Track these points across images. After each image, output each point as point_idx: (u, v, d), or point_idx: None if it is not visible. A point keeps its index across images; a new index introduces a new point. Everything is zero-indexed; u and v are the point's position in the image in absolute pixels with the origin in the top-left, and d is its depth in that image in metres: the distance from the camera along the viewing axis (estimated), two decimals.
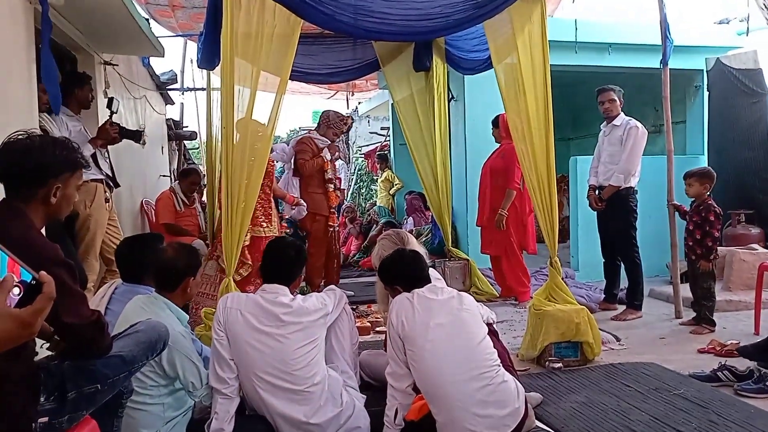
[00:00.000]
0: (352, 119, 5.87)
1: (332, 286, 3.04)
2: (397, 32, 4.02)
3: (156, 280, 2.71)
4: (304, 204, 5.34)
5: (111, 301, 2.78)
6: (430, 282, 2.70)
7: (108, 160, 4.48)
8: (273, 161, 5.24)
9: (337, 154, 5.70)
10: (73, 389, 1.86)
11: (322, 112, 5.75)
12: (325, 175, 5.44)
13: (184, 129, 9.49)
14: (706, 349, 3.88)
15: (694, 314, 4.54)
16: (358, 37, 5.34)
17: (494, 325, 2.94)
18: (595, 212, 5.04)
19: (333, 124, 5.50)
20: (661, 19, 4.79)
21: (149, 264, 2.74)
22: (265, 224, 4.61)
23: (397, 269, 2.76)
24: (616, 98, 4.89)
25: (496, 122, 5.47)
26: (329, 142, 5.48)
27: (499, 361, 2.57)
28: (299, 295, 2.70)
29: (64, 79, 4.13)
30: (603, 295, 5.22)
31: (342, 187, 10.97)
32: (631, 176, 4.77)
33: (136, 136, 4.61)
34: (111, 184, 4.43)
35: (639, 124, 4.80)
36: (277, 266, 2.70)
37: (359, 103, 13.39)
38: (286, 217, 5.63)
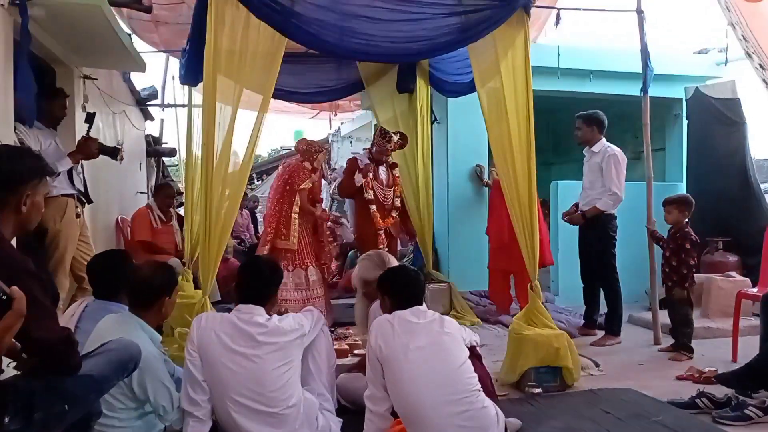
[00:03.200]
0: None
1: (310, 307, 3.03)
2: (381, 53, 4.07)
3: (130, 298, 2.67)
4: (345, 221, 5.35)
5: (81, 318, 2.74)
6: (420, 305, 2.70)
7: (82, 176, 4.44)
8: (317, 176, 5.33)
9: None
10: (41, 409, 1.82)
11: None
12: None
13: (164, 145, 9.43)
14: (685, 375, 3.91)
15: (672, 341, 4.59)
16: (342, 57, 5.39)
17: (477, 348, 2.94)
18: (577, 238, 5.10)
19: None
20: (642, 47, 4.91)
21: (123, 280, 2.71)
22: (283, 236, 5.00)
23: (399, 283, 2.76)
24: (584, 126, 4.96)
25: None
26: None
27: (479, 385, 2.57)
28: (275, 315, 2.69)
29: (38, 92, 4.11)
30: (582, 320, 5.26)
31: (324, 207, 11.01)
32: (619, 203, 4.83)
33: (114, 153, 4.58)
34: (83, 199, 4.39)
35: (617, 150, 4.88)
36: (252, 286, 2.69)
37: (342, 123, 13.44)
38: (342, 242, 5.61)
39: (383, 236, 5.41)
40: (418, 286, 2.76)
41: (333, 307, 5.40)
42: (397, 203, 5.58)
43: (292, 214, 5.19)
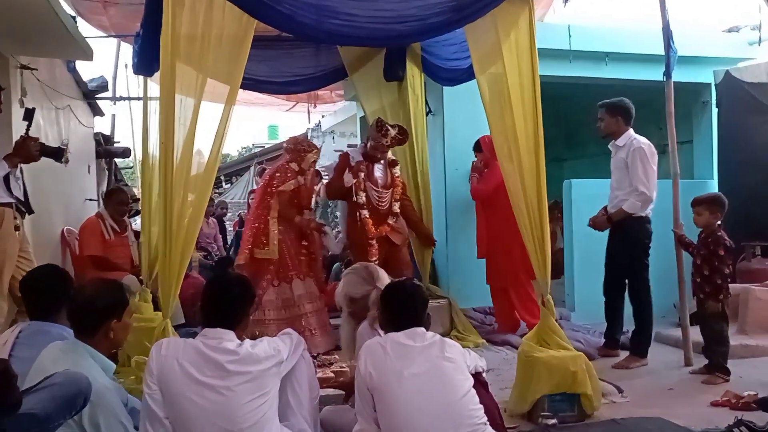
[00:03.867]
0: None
1: (288, 330, 3.02)
2: (366, 36, 4.09)
3: (72, 323, 2.64)
4: (329, 229, 5.38)
5: (15, 346, 2.71)
6: (421, 326, 2.70)
7: (21, 182, 4.41)
8: (306, 178, 5.34)
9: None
10: None
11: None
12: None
13: (116, 145, 9.39)
14: (720, 401, 3.93)
15: (705, 361, 4.61)
16: (321, 41, 5.40)
17: (484, 375, 2.94)
18: (596, 245, 5.12)
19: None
20: (663, 26, 4.95)
21: (62, 296, 2.68)
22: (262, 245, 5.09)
23: (391, 300, 2.77)
24: (607, 117, 4.99)
25: (478, 146, 5.61)
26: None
27: (485, 418, 2.57)
28: (248, 340, 2.67)
29: None
30: (603, 340, 5.27)
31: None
32: (650, 204, 4.86)
33: (58, 154, 4.55)
34: (23, 209, 4.36)
35: (644, 143, 4.89)
36: (221, 306, 2.68)
37: (322, 116, 13.44)
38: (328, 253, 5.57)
39: (375, 247, 5.39)
40: (413, 304, 2.76)
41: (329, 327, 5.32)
42: (396, 208, 5.55)
43: (269, 219, 5.20)
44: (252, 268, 5.17)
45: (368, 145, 5.44)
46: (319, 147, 5.64)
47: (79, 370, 2.32)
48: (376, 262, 5.21)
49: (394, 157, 5.64)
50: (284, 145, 5.63)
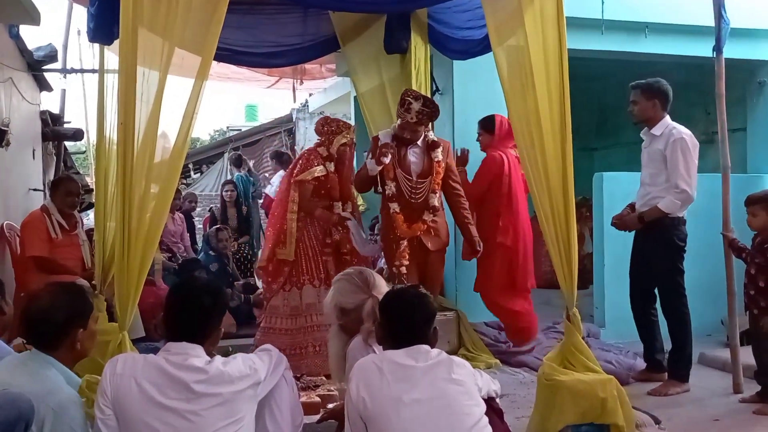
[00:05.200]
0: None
1: (267, 345, 3.01)
2: (362, 1, 4.08)
3: (30, 339, 2.68)
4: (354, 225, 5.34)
5: None
6: (426, 344, 2.70)
7: None
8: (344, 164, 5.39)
9: None
10: None
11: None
12: None
13: (66, 125, 9.38)
14: None
15: (758, 388, 4.62)
16: (309, 5, 5.40)
17: (498, 401, 2.94)
18: (631, 249, 5.13)
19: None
20: None
21: None
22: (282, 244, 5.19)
23: (388, 311, 2.77)
24: (642, 100, 5.00)
25: (489, 125, 5.60)
26: None
27: None
28: (219, 357, 2.67)
29: None
30: (638, 361, 5.28)
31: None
32: (689, 203, 4.87)
33: None
34: None
35: (686, 133, 4.91)
36: (187, 317, 2.67)
37: (310, 95, 13.44)
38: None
39: (406, 249, 5.24)
40: (417, 317, 2.75)
41: None
42: (434, 201, 5.30)
43: (288, 215, 5.23)
44: (271, 270, 5.28)
45: (397, 124, 5.29)
46: (352, 126, 5.53)
47: (40, 381, 2.38)
48: (404, 270, 5.18)
49: (435, 138, 5.41)
50: (315, 127, 5.62)
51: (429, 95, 6.01)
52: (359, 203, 9.81)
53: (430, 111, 5.16)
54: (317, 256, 5.29)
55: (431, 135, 5.38)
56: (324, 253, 5.30)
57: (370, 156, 5.28)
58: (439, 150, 5.32)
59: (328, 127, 5.39)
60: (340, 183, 5.43)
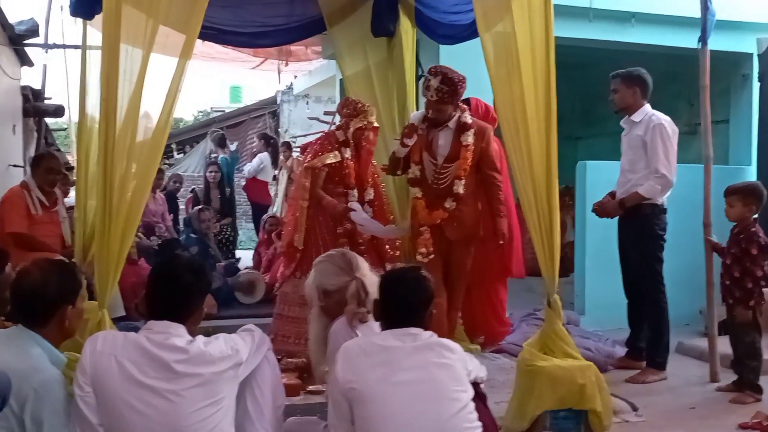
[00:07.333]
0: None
1: (249, 325, 3.01)
2: None
3: (17, 314, 2.69)
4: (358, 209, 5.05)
5: None
6: (419, 326, 2.71)
7: None
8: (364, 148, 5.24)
9: None
10: None
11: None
12: None
13: (47, 101, 9.31)
14: (750, 423, 3.99)
15: (734, 377, 4.68)
16: None
17: (482, 386, 2.95)
18: (616, 237, 5.16)
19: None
20: None
21: None
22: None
23: (384, 294, 2.77)
24: (622, 88, 5.02)
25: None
26: None
27: None
28: (200, 337, 2.67)
29: None
30: (617, 349, 5.33)
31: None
32: (669, 189, 4.91)
33: None
34: None
35: (665, 119, 4.95)
36: (169, 295, 2.66)
37: (295, 77, 13.39)
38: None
39: (428, 237, 4.94)
40: (413, 300, 2.75)
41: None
42: (459, 188, 4.91)
43: (300, 202, 5.15)
44: (287, 256, 5.32)
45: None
46: (369, 107, 5.21)
47: (25, 359, 2.40)
48: (425, 260, 4.84)
49: (470, 120, 4.99)
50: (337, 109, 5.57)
51: (414, 81, 5.98)
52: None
53: (451, 89, 4.74)
54: (328, 246, 4.96)
55: (466, 116, 4.98)
56: (338, 243, 5.00)
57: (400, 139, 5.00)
58: (470, 133, 4.92)
59: (345, 109, 5.21)
60: (358, 169, 5.26)
